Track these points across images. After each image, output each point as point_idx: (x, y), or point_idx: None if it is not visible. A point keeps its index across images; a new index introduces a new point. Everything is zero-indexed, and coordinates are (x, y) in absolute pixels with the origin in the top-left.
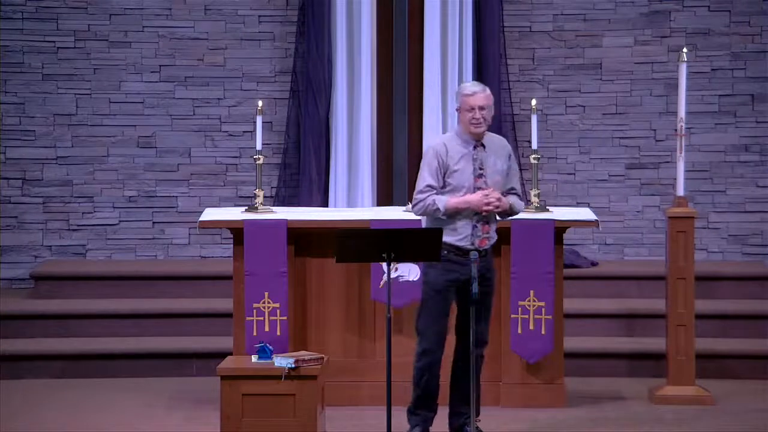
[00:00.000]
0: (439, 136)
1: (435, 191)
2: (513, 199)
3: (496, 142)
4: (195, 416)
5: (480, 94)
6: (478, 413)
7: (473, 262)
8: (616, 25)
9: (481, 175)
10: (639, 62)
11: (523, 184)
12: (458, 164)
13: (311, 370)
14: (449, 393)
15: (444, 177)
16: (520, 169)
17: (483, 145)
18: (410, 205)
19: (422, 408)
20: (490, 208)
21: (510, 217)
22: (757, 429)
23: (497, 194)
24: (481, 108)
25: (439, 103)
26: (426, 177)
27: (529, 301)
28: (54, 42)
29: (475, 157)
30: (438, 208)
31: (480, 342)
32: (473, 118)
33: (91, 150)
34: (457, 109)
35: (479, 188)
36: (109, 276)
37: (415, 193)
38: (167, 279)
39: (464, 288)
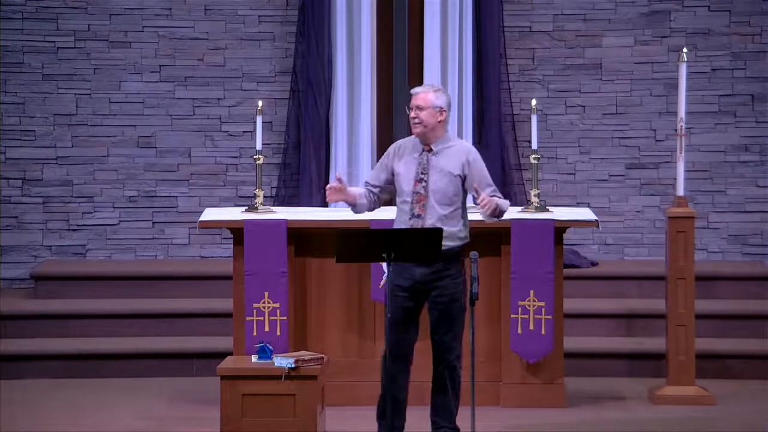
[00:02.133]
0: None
1: (371, 184)
2: (495, 199)
3: (453, 148)
4: (195, 416)
5: (420, 94)
6: (453, 425)
7: (473, 261)
8: (616, 25)
9: (421, 180)
10: (639, 62)
11: (522, 184)
12: (402, 167)
13: (311, 370)
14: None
15: (392, 176)
16: (520, 169)
17: (431, 150)
18: None
19: (383, 417)
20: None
21: (499, 218)
22: (757, 429)
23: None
24: (419, 108)
25: None
26: (370, 173)
27: (529, 301)
28: (54, 42)
29: (420, 161)
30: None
31: (441, 351)
32: (411, 118)
33: (91, 150)
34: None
35: (416, 193)
36: (109, 276)
37: None
38: (167, 279)
39: (415, 294)
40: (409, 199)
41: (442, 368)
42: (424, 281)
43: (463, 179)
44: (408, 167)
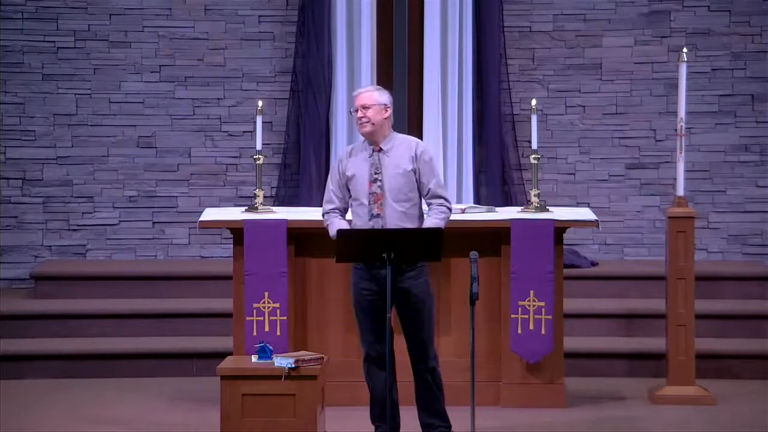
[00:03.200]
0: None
1: (338, 200)
2: (429, 221)
3: (401, 144)
4: (195, 416)
5: (364, 93)
6: (448, 424)
7: (473, 261)
8: (616, 25)
9: (375, 180)
10: (639, 62)
11: (522, 184)
12: (355, 169)
13: (311, 370)
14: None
15: (346, 184)
16: (520, 169)
17: (381, 149)
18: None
19: (379, 419)
20: None
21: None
22: (757, 429)
23: None
24: (365, 107)
25: (438, 103)
26: (329, 186)
27: (529, 301)
28: (54, 42)
29: (372, 161)
30: (330, 233)
31: (419, 355)
32: (357, 118)
33: (91, 150)
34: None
35: (372, 193)
36: (109, 276)
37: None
38: (167, 279)
39: (382, 296)
40: (366, 201)
41: (423, 372)
42: (391, 282)
43: (416, 172)
44: (360, 169)
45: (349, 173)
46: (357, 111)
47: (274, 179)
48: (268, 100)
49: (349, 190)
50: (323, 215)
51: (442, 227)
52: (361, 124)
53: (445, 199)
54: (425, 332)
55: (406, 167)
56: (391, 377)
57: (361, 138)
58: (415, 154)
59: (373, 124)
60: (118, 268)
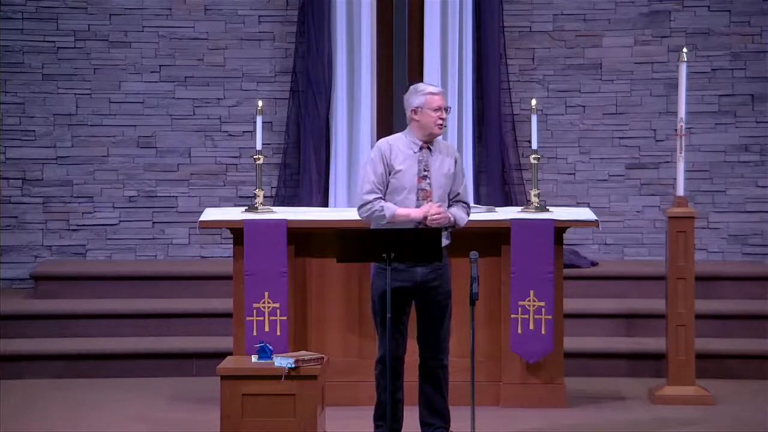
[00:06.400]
0: (386, 137)
1: (380, 191)
2: (454, 210)
3: (442, 144)
4: (195, 416)
5: (442, 93)
6: (448, 425)
7: (473, 261)
8: (616, 25)
9: (425, 177)
10: (639, 62)
11: (522, 184)
12: (402, 164)
13: (311, 370)
14: (418, 403)
15: (388, 177)
16: (520, 169)
17: (429, 147)
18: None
19: (381, 419)
20: (434, 223)
21: (454, 228)
22: (757, 429)
23: (439, 209)
24: (445, 108)
25: None
26: (371, 179)
27: (529, 301)
28: (54, 42)
29: (420, 158)
30: (384, 215)
31: (436, 351)
32: (440, 118)
33: (91, 150)
34: (413, 110)
35: (422, 189)
36: (109, 276)
37: (360, 193)
38: (167, 279)
39: (413, 295)
40: (413, 196)
41: (436, 368)
42: (425, 281)
43: (454, 176)
44: (408, 164)
45: (397, 167)
46: (438, 110)
47: (274, 179)
48: (268, 100)
49: (387, 184)
50: (365, 205)
51: (465, 219)
52: (441, 125)
53: (469, 205)
54: (445, 327)
55: (450, 168)
56: (398, 378)
57: (401, 132)
58: (455, 159)
59: (446, 125)
60: (118, 268)
